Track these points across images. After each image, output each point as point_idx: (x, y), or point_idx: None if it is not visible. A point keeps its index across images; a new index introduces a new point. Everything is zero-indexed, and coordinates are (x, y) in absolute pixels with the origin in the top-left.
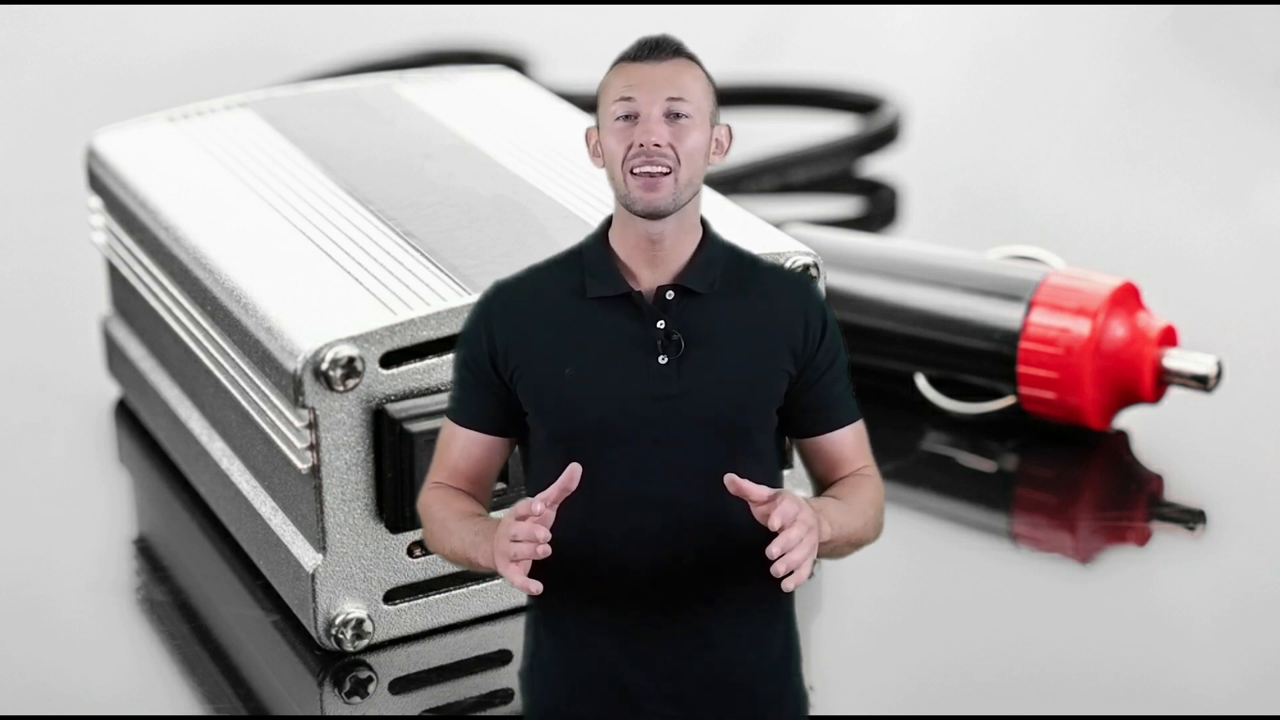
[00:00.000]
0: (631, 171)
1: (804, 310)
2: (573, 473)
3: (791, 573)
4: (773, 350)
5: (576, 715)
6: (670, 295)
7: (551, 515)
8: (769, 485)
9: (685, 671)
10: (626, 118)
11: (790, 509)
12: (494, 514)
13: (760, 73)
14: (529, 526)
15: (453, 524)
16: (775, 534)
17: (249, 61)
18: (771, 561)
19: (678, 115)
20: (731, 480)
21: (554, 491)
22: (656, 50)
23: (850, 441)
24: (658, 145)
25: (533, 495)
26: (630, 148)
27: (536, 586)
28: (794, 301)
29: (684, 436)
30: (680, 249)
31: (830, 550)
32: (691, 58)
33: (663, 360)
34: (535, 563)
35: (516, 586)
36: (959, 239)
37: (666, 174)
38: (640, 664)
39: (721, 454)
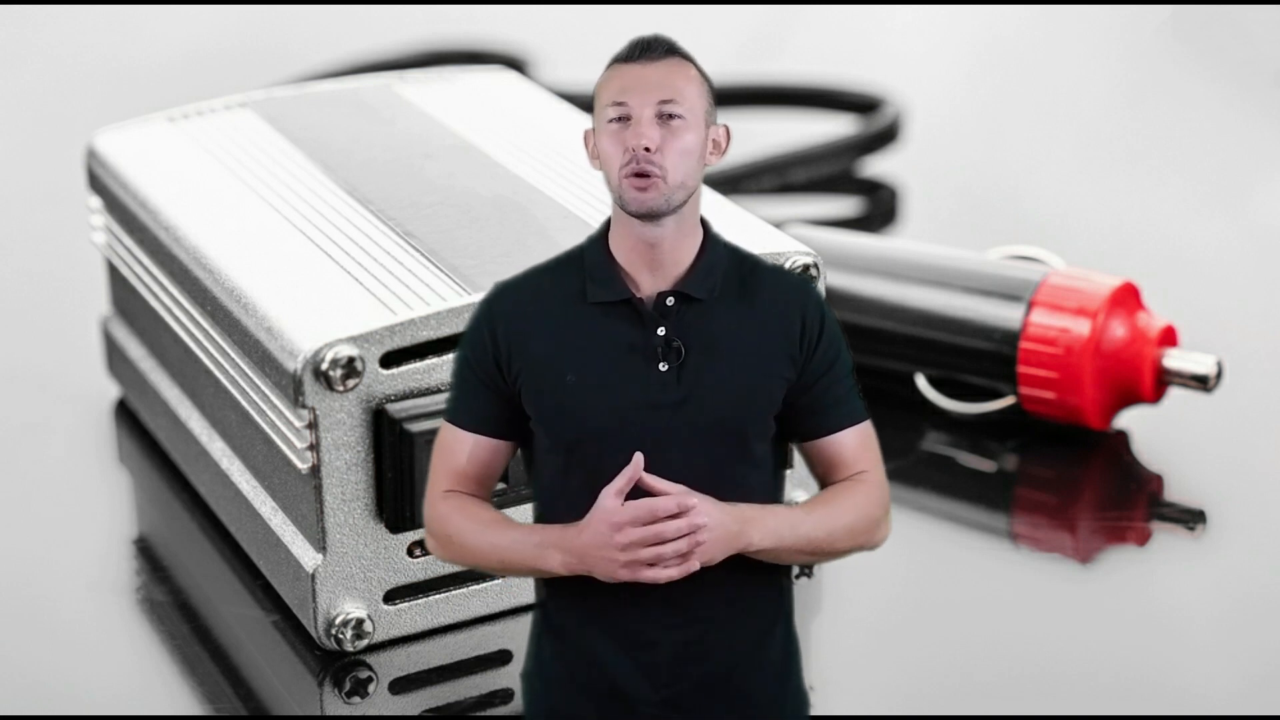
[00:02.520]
0: (625, 175)
1: (801, 314)
2: (637, 463)
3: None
4: (771, 356)
5: (575, 717)
6: (670, 301)
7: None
8: (768, 490)
9: (683, 676)
10: (620, 120)
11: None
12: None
13: (760, 73)
14: (678, 525)
15: (491, 534)
16: None
17: (249, 61)
18: (773, 566)
19: (670, 116)
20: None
21: (621, 481)
22: (649, 51)
23: (849, 444)
24: (648, 150)
25: (537, 497)
26: (625, 151)
27: (693, 565)
28: (792, 305)
29: (683, 443)
30: (680, 253)
31: (778, 558)
32: (686, 57)
33: (663, 368)
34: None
35: (661, 580)
36: (959, 239)
37: (658, 177)
38: (638, 668)
39: (720, 460)
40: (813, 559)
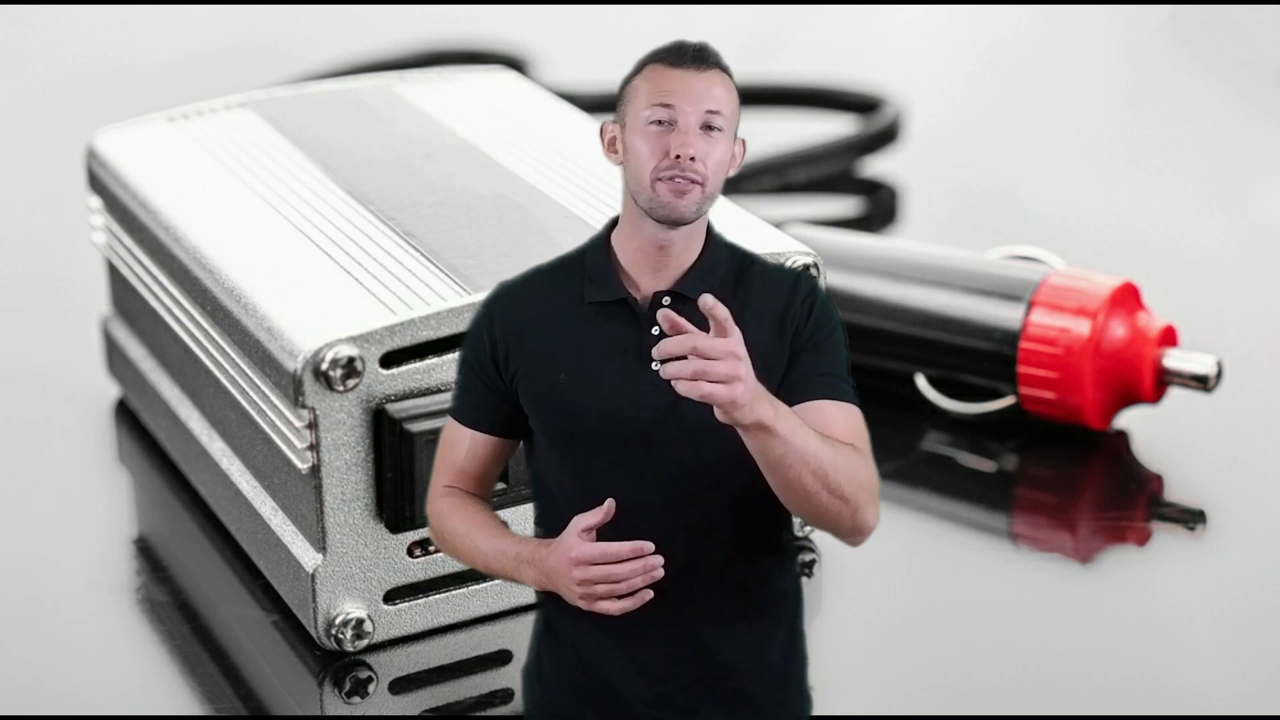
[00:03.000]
0: (660, 178)
1: (790, 303)
2: (609, 509)
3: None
4: (764, 355)
5: (572, 716)
6: (666, 301)
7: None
8: (762, 491)
9: (677, 676)
10: (661, 123)
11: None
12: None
13: (760, 73)
14: (633, 567)
15: (478, 538)
16: (765, 512)
17: (249, 61)
18: (773, 569)
19: (711, 128)
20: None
21: (592, 519)
22: (701, 59)
23: (835, 416)
24: (693, 159)
25: (537, 495)
26: (664, 155)
27: (645, 595)
28: (781, 299)
29: (676, 443)
30: (685, 256)
31: (782, 459)
32: (727, 70)
33: (655, 367)
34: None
35: (615, 612)
36: (959, 239)
37: (700, 185)
38: (633, 667)
39: (712, 459)
40: (809, 484)
